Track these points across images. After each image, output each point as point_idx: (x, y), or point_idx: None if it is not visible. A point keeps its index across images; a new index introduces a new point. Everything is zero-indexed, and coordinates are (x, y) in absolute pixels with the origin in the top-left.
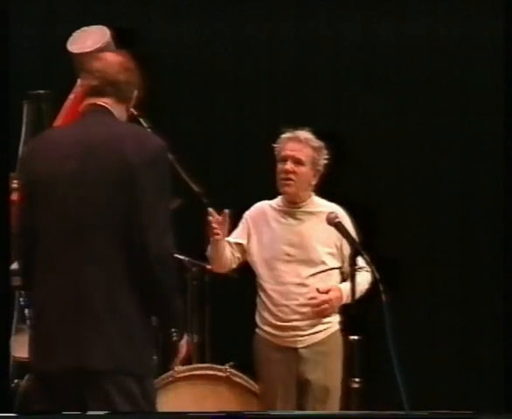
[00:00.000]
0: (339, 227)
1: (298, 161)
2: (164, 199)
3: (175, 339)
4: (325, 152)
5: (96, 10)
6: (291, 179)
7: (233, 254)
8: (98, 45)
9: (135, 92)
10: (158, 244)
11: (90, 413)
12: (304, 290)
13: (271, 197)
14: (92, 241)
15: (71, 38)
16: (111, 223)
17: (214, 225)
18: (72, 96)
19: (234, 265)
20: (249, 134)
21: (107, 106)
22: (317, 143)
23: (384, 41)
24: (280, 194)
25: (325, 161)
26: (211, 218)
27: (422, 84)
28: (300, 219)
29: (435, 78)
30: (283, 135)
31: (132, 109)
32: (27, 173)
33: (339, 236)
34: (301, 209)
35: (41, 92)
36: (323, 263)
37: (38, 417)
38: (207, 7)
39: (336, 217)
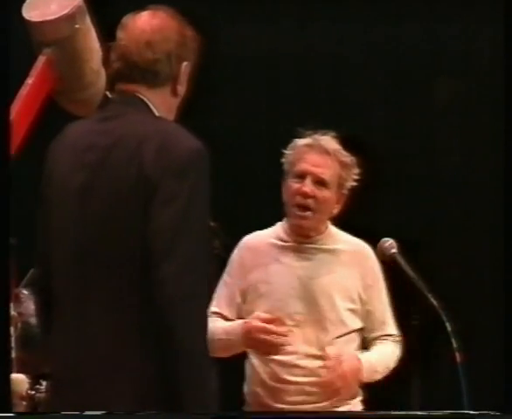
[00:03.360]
0: (395, 261)
1: (321, 182)
2: (194, 223)
3: None
4: (355, 171)
5: None
6: (309, 208)
7: None
8: (65, 12)
9: (184, 66)
10: (177, 281)
11: (89, 413)
12: (316, 363)
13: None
14: (101, 279)
15: (28, 1)
16: (125, 257)
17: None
18: (29, 81)
19: None
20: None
21: (138, 94)
22: (348, 158)
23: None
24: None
25: (353, 183)
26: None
27: None
28: (312, 260)
29: None
30: (300, 141)
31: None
32: (43, 183)
33: (367, 283)
34: (315, 246)
35: None
36: (343, 324)
37: (37, 417)
38: None
39: (392, 247)
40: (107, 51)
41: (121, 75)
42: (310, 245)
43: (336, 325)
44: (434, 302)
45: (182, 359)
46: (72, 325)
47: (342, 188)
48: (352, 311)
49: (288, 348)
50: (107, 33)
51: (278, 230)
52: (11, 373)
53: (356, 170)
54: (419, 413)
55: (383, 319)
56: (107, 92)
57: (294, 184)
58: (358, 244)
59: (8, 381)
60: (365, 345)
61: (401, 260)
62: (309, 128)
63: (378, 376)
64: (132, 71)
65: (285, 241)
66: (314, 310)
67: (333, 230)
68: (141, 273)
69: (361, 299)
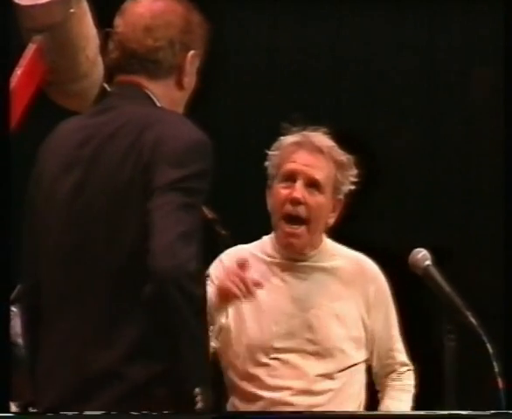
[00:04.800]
0: (429, 275)
1: (313, 185)
2: (189, 207)
3: (199, 406)
4: (353, 172)
5: None
6: (301, 219)
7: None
8: None
9: (190, 55)
10: (169, 254)
11: (89, 413)
12: (311, 400)
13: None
14: (99, 286)
15: None
16: (123, 256)
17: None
18: (18, 71)
19: None
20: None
21: (138, 86)
22: (344, 156)
23: None
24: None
25: (351, 187)
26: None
27: None
28: (305, 280)
29: None
30: (286, 139)
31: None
32: (31, 187)
33: (370, 305)
34: (308, 263)
35: None
36: (344, 355)
37: (37, 417)
38: None
39: (426, 259)
40: (104, 38)
41: (119, 65)
42: (303, 263)
43: (336, 356)
44: (473, 321)
45: (178, 336)
46: (68, 337)
47: (337, 192)
48: (355, 339)
49: (276, 383)
50: (106, 19)
51: (265, 243)
52: (11, 373)
53: (354, 171)
54: (420, 413)
55: (390, 346)
56: (105, 85)
57: (281, 189)
58: (359, 259)
59: (8, 380)
60: (376, 382)
61: (436, 273)
62: (297, 123)
63: None
64: (130, 60)
65: (272, 256)
66: (309, 339)
67: (329, 243)
68: (142, 277)
69: (365, 326)
